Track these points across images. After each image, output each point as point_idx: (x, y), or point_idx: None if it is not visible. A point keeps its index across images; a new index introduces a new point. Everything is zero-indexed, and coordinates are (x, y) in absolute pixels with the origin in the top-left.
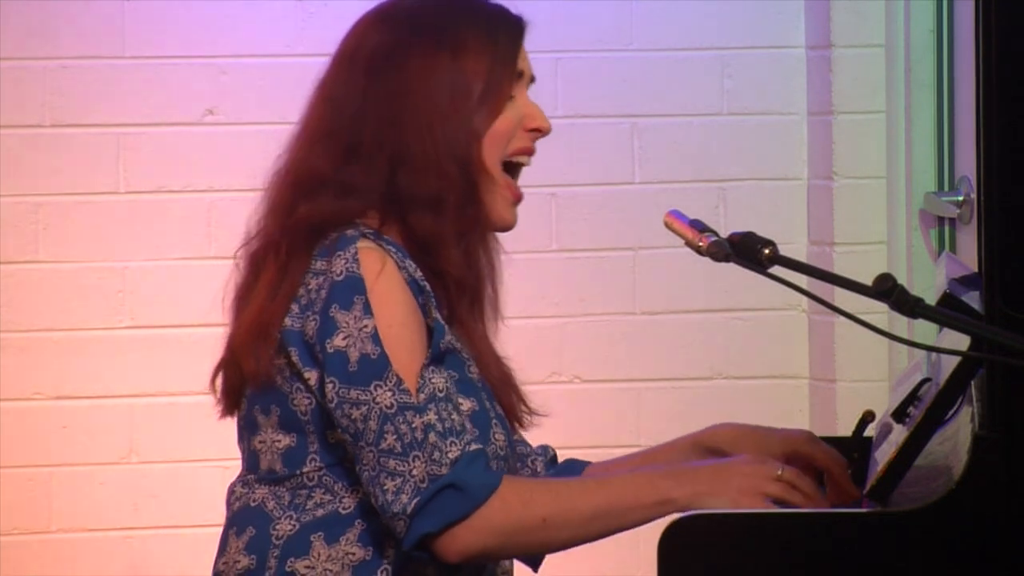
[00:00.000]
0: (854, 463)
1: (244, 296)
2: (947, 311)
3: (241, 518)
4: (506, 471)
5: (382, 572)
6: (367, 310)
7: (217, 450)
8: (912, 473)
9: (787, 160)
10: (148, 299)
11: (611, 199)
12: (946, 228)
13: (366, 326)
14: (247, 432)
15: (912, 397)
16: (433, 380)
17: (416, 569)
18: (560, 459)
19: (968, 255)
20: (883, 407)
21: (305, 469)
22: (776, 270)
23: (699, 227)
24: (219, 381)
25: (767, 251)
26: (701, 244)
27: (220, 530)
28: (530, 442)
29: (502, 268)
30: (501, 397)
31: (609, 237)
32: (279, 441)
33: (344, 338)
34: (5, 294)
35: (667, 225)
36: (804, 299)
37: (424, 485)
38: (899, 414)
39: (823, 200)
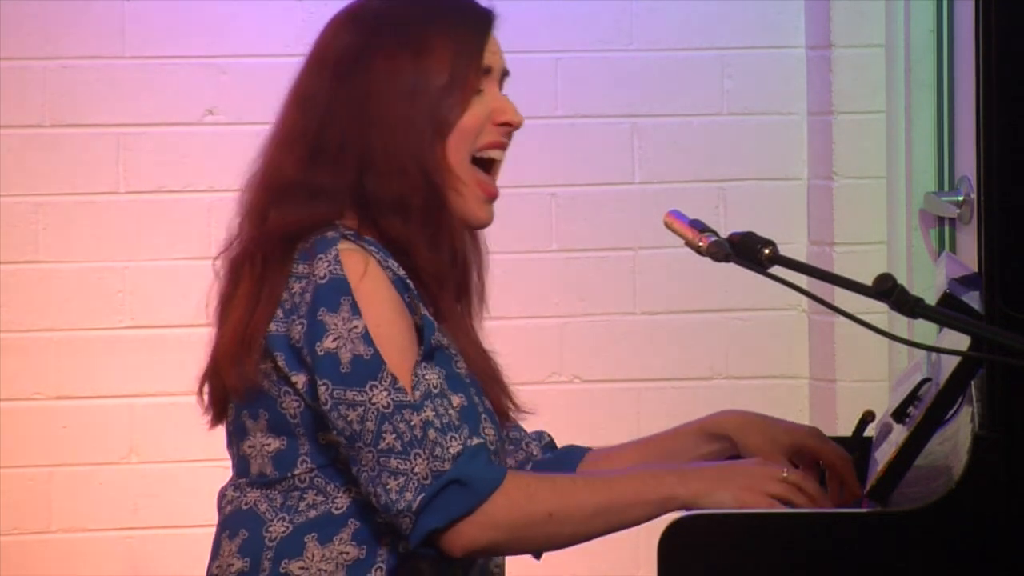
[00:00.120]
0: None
1: (225, 306)
2: (947, 311)
3: (233, 521)
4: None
5: (376, 571)
6: (355, 311)
7: (217, 450)
8: (912, 473)
9: (787, 160)
10: (148, 299)
11: (611, 199)
12: (946, 228)
13: (356, 327)
14: (236, 437)
15: (912, 397)
16: (427, 377)
17: (411, 566)
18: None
19: (968, 255)
20: (883, 407)
21: (296, 471)
22: (776, 270)
23: (699, 227)
24: (206, 391)
25: (767, 251)
26: (701, 244)
27: None
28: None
29: (489, 259)
30: (488, 392)
31: (609, 237)
32: (269, 445)
33: (334, 340)
34: (5, 294)
35: (667, 225)
36: (804, 299)
37: (428, 482)
38: (899, 414)
39: (823, 200)
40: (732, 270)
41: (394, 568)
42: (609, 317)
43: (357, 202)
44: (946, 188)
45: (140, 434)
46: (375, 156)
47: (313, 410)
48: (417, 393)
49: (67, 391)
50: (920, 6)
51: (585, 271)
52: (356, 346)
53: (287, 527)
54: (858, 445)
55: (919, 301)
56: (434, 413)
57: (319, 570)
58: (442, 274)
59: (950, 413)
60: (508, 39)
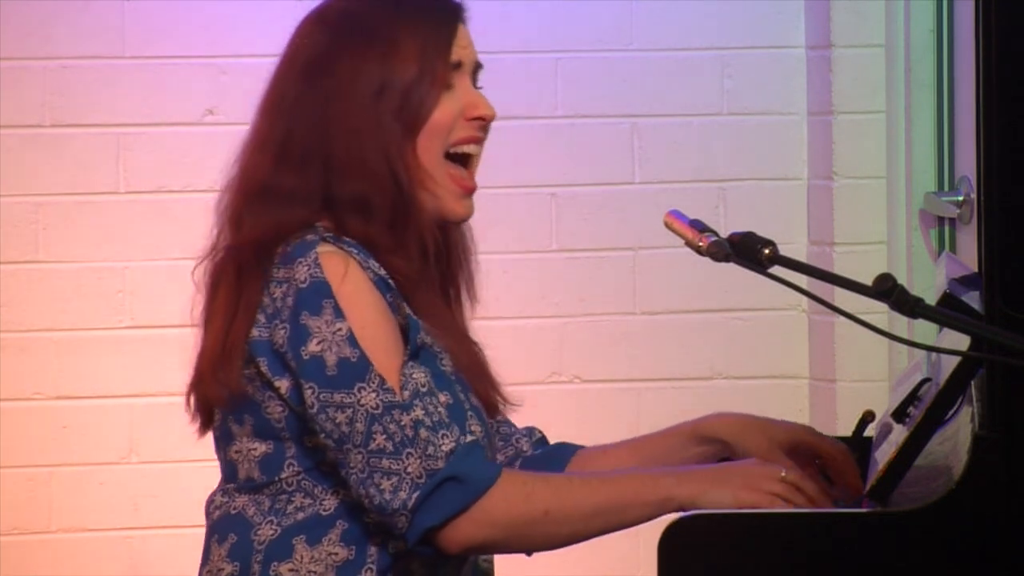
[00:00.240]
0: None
1: (206, 316)
2: (947, 311)
3: (222, 526)
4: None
5: (367, 571)
6: (338, 313)
7: None
8: (912, 473)
9: (787, 160)
10: (148, 299)
11: (611, 199)
12: (946, 228)
13: (340, 329)
14: (223, 443)
15: (912, 397)
16: (414, 376)
17: (401, 566)
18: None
19: (968, 255)
20: (883, 407)
21: (283, 475)
22: (776, 270)
23: (699, 227)
24: (192, 400)
25: (767, 251)
26: (701, 244)
27: None
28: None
29: (477, 252)
30: (475, 386)
31: (609, 237)
32: (255, 449)
33: (319, 343)
34: (5, 294)
35: (667, 225)
36: (804, 299)
37: (422, 480)
38: (899, 414)
39: (823, 200)
40: (732, 270)
41: (385, 568)
42: (609, 317)
43: (326, 204)
44: (946, 188)
45: (140, 434)
46: (340, 157)
47: (298, 414)
48: (406, 393)
49: (67, 391)
50: (920, 6)
51: (585, 271)
52: (342, 348)
53: (275, 530)
54: (858, 445)
55: (919, 301)
56: (424, 412)
57: (309, 571)
58: (411, 273)
59: (950, 413)
60: (508, 39)
